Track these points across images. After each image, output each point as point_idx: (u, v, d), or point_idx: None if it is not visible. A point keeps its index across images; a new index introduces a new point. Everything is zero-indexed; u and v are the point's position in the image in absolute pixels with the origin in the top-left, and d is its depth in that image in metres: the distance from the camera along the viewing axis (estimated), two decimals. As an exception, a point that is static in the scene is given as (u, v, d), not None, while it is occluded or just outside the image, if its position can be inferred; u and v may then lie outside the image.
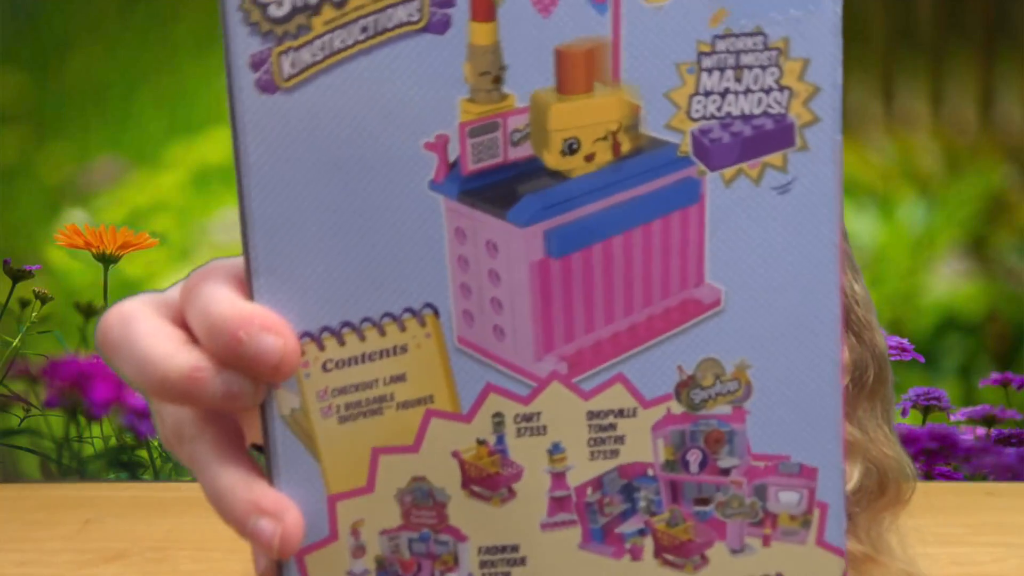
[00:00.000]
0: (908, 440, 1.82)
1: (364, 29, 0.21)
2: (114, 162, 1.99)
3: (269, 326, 0.21)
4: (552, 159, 0.21)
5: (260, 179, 0.21)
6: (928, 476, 1.82)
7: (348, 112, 0.21)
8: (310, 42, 0.21)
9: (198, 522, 1.36)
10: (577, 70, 0.21)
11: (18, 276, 1.82)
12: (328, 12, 0.21)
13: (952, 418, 1.91)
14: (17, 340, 1.81)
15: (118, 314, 0.22)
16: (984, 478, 1.87)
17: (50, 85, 1.98)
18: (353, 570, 0.23)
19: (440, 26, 0.21)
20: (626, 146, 0.21)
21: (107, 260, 1.76)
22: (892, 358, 2.02)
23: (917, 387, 1.89)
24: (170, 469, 1.80)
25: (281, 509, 0.21)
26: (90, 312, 1.86)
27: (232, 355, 0.21)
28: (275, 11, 0.21)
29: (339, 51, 0.21)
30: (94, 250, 1.75)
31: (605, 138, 0.21)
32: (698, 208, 0.21)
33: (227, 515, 0.21)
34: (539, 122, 0.21)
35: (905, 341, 1.81)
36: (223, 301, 0.21)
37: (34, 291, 1.83)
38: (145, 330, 0.21)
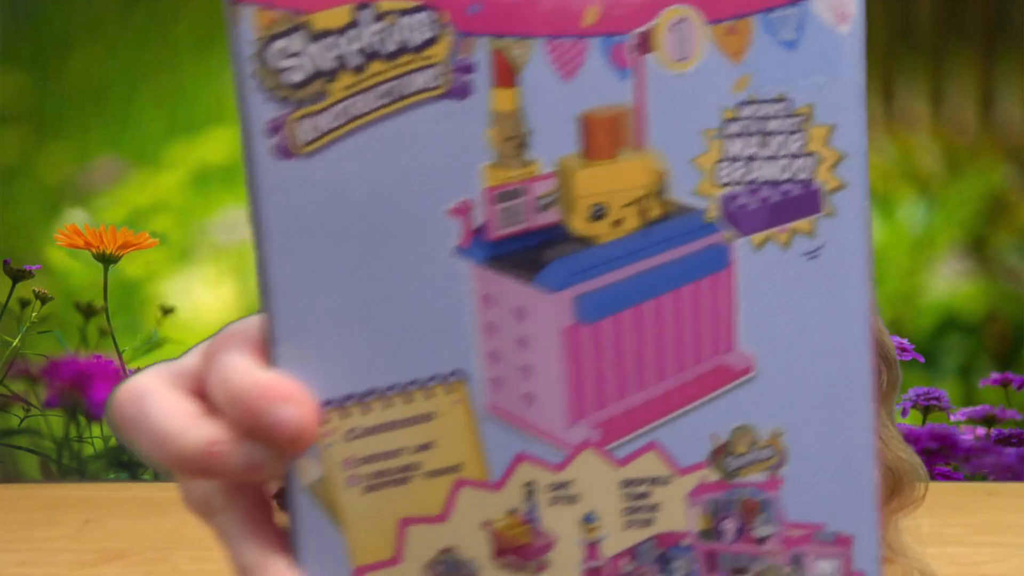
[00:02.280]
0: (908, 440, 1.81)
1: (383, 95, 0.21)
2: (114, 162, 1.99)
3: (288, 396, 0.20)
4: (579, 225, 0.21)
5: (279, 246, 0.21)
6: (928, 476, 1.82)
7: (368, 178, 0.21)
8: (328, 108, 0.21)
9: (198, 522, 1.36)
10: (603, 136, 0.21)
11: (18, 276, 1.82)
12: (347, 78, 0.21)
13: (952, 418, 1.91)
14: (17, 340, 1.81)
15: (131, 391, 0.22)
16: (984, 478, 1.87)
17: (50, 85, 1.98)
18: None
19: (461, 92, 0.21)
20: (654, 212, 0.21)
21: (107, 260, 1.76)
22: (892, 358, 2.00)
23: (917, 387, 1.89)
24: (170, 469, 1.80)
25: None
26: (90, 312, 1.86)
27: (251, 426, 0.20)
28: (292, 77, 0.21)
29: (358, 116, 0.21)
30: (94, 250, 1.75)
31: (632, 204, 0.21)
32: (727, 274, 0.21)
33: None
34: (566, 188, 0.21)
35: (905, 341, 1.81)
36: (241, 370, 0.21)
37: (34, 291, 1.83)
38: (160, 407, 0.21)
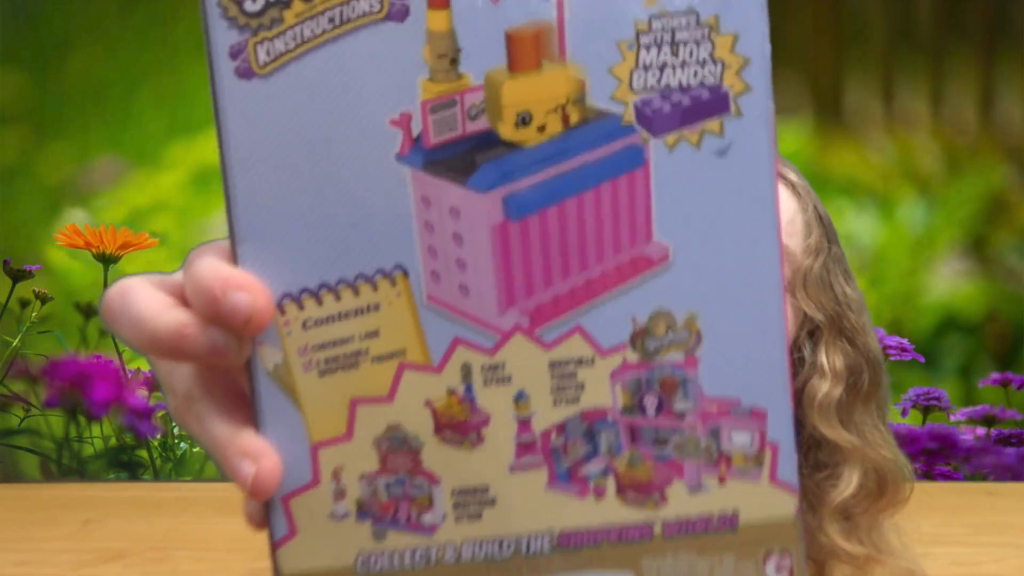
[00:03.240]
0: (908, 440, 1.82)
1: (331, 20, 0.23)
2: (114, 162, 1.99)
3: (241, 285, 0.23)
4: (507, 131, 0.23)
5: (240, 157, 0.23)
6: (928, 476, 1.81)
7: (319, 94, 0.23)
8: (283, 33, 0.23)
9: (198, 522, 1.36)
10: (526, 50, 0.23)
11: (18, 276, 1.82)
12: (298, 6, 0.23)
13: (952, 418, 1.91)
14: (17, 340, 1.81)
15: (118, 286, 0.25)
16: (984, 478, 1.87)
17: (50, 85, 1.98)
18: (335, 512, 0.25)
19: (399, 15, 0.23)
20: (574, 117, 0.23)
21: (107, 260, 1.76)
22: (892, 358, 2.01)
23: (917, 387, 1.89)
24: (170, 469, 1.80)
25: (260, 452, 0.24)
26: (90, 312, 1.86)
27: (211, 312, 0.23)
28: (250, 6, 0.23)
29: (309, 40, 0.23)
30: (94, 250, 1.75)
31: (555, 110, 0.23)
32: (643, 172, 0.23)
33: (217, 460, 0.24)
34: (494, 98, 0.23)
35: (905, 341, 1.81)
36: (206, 266, 0.23)
37: (34, 291, 1.83)
38: (140, 297, 0.24)
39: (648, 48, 0.23)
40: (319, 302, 0.24)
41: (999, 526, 1.40)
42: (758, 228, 0.23)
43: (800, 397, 0.55)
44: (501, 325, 0.24)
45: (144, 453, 1.81)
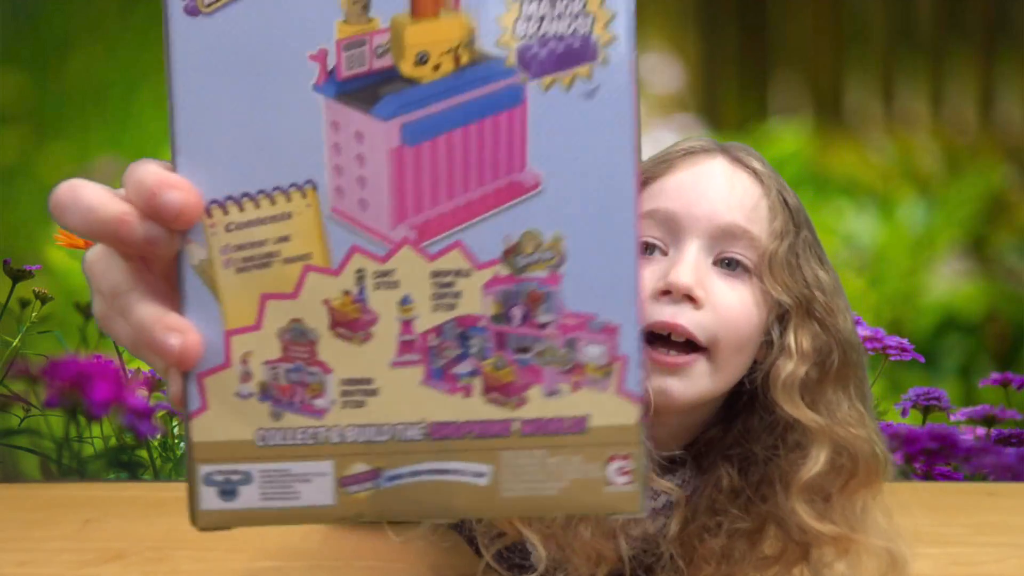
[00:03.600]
0: (908, 440, 1.81)
1: None
2: (114, 162, 1.99)
3: (174, 184, 0.27)
4: (407, 68, 0.27)
5: (183, 81, 0.27)
6: (928, 476, 1.81)
7: (252, 31, 0.27)
8: None
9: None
10: None
11: (18, 276, 1.82)
12: None
13: (952, 418, 1.91)
14: (17, 340, 1.81)
15: (69, 183, 0.29)
16: (984, 478, 1.87)
17: (50, 85, 1.98)
18: (241, 392, 0.29)
19: None
20: (465, 59, 0.27)
21: (107, 260, 1.76)
22: (892, 358, 2.01)
23: (917, 387, 1.89)
24: (170, 469, 1.80)
25: (184, 329, 0.28)
26: (90, 312, 1.86)
27: (148, 206, 0.27)
28: None
29: None
30: (94, 250, 1.75)
31: (449, 52, 0.27)
32: (521, 109, 0.27)
33: (144, 339, 0.28)
34: (397, 39, 0.27)
35: (905, 341, 1.81)
36: (145, 168, 0.28)
37: (34, 291, 1.83)
38: (89, 190, 0.29)
39: (530, 1, 0.26)
40: (241, 208, 0.28)
41: (999, 526, 1.40)
42: (617, 162, 0.26)
43: (767, 378, 0.56)
44: (392, 237, 0.28)
45: (144, 453, 1.81)
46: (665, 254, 0.55)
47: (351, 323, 0.28)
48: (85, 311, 1.86)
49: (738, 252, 0.55)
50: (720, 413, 0.59)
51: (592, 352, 0.27)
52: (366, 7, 0.27)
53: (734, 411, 0.59)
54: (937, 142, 2.05)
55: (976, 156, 2.04)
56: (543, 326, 0.27)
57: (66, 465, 1.82)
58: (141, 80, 1.99)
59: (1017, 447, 1.89)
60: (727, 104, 2.23)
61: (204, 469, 0.30)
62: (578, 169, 0.26)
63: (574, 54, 0.26)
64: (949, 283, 2.03)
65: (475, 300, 0.28)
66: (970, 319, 2.02)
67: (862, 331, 1.82)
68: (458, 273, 0.28)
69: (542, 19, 0.26)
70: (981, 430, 1.92)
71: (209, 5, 0.27)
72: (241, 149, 0.28)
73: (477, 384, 0.28)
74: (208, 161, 0.28)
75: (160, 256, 0.28)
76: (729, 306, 0.54)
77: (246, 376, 0.29)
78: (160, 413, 1.77)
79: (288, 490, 0.29)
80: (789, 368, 0.55)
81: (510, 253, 0.27)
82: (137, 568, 1.09)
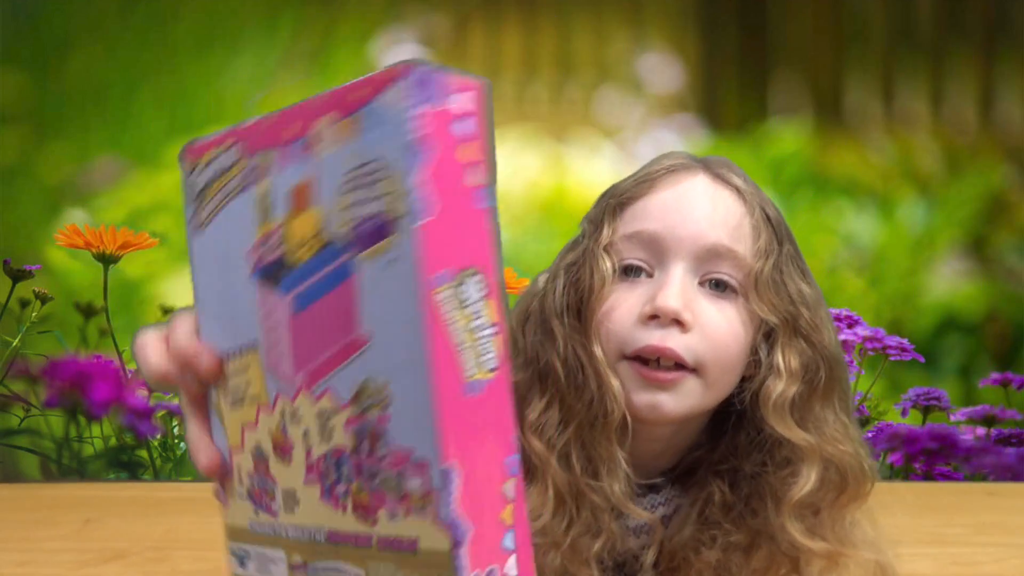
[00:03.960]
0: (908, 440, 1.81)
1: (225, 193, 0.37)
2: (114, 162, 1.99)
3: (200, 352, 0.38)
4: (289, 255, 0.35)
5: (196, 274, 0.39)
6: (928, 476, 1.81)
7: (222, 239, 0.38)
8: (208, 201, 0.38)
9: (198, 522, 1.36)
10: (300, 201, 0.34)
11: (18, 276, 1.82)
12: (215, 186, 0.38)
13: (952, 418, 1.91)
14: (17, 340, 1.81)
15: (137, 340, 0.40)
16: (984, 478, 1.87)
17: (50, 85, 1.98)
18: (240, 493, 0.39)
19: (249, 188, 0.36)
20: (320, 244, 0.33)
21: (107, 260, 1.76)
22: (892, 358, 2.00)
23: (917, 387, 1.89)
24: (170, 469, 1.80)
25: (210, 450, 0.39)
26: (90, 312, 1.86)
27: (184, 367, 0.39)
28: (197, 186, 0.39)
29: (218, 206, 0.38)
30: (94, 250, 1.75)
31: (312, 239, 0.33)
32: (354, 279, 0.32)
33: (190, 450, 0.40)
34: (283, 234, 0.34)
35: (905, 341, 1.81)
36: (185, 336, 0.39)
37: (34, 291, 1.83)
38: (148, 350, 0.40)
39: (353, 190, 0.32)
40: (230, 361, 0.38)
41: (999, 526, 1.40)
42: (412, 319, 0.30)
43: (757, 397, 0.56)
44: (295, 383, 0.34)
45: (144, 453, 1.81)
46: (651, 276, 0.55)
47: (282, 448, 0.36)
48: (85, 311, 1.86)
49: (724, 272, 0.55)
50: (706, 434, 0.59)
51: (413, 484, 0.31)
52: (267, 212, 0.35)
53: (721, 430, 0.59)
54: (937, 142, 2.05)
55: (976, 156, 2.05)
56: (382, 458, 0.32)
57: (66, 465, 1.82)
58: (141, 80, 1.99)
59: (1017, 447, 1.89)
60: (727, 104, 2.23)
61: (230, 544, 0.40)
62: (391, 325, 0.31)
63: (381, 230, 0.31)
64: (949, 283, 2.03)
65: (341, 435, 0.33)
66: (970, 319, 2.02)
67: (862, 331, 1.82)
68: (331, 413, 0.33)
69: (362, 204, 0.31)
70: (981, 430, 1.92)
71: (201, 225, 0.38)
72: (226, 317, 0.38)
73: (349, 503, 0.33)
74: (214, 325, 0.38)
75: (196, 394, 0.40)
76: (717, 328, 0.54)
77: (240, 482, 0.38)
78: (160, 413, 1.77)
79: (267, 568, 0.38)
80: (779, 388, 0.55)
81: (357, 397, 0.32)
82: (137, 568, 1.09)
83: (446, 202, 0.30)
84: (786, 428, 0.55)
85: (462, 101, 0.31)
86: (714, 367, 0.54)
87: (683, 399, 0.54)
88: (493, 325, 0.31)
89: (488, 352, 0.31)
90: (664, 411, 0.54)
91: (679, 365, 0.53)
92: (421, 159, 0.30)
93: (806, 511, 0.56)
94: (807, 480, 0.55)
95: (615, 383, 0.53)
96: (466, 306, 0.31)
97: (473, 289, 0.31)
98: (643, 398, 0.53)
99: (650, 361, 0.53)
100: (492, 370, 0.31)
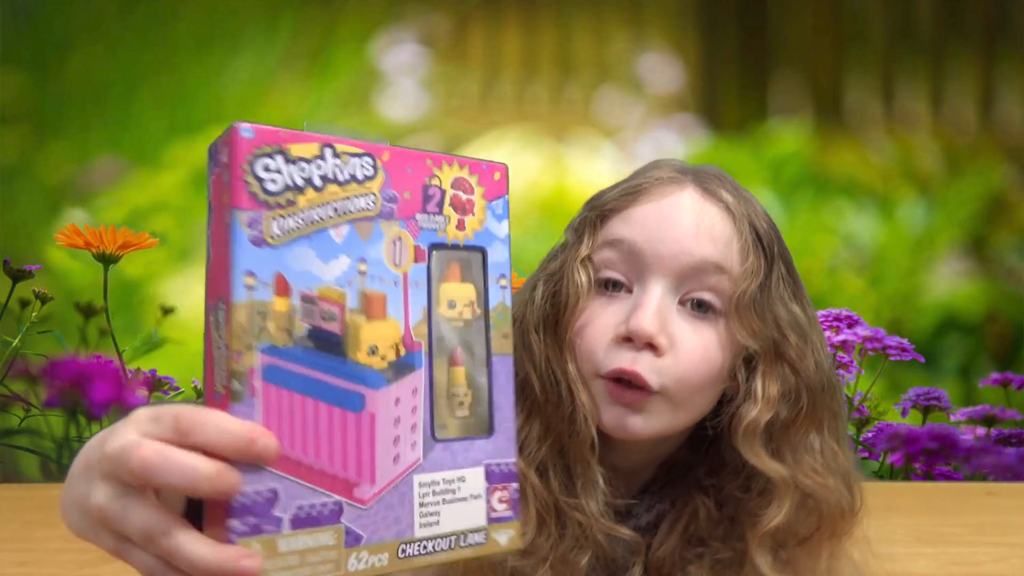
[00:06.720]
0: (908, 440, 1.82)
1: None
2: (114, 162, 1.99)
3: (262, 432, 0.32)
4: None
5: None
6: (928, 476, 1.82)
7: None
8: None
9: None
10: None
11: (18, 276, 1.82)
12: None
13: (952, 418, 1.91)
14: (17, 340, 1.81)
15: (155, 448, 0.32)
16: (984, 478, 1.87)
17: (50, 85, 1.98)
18: None
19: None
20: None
21: (107, 260, 1.76)
22: (892, 358, 2.00)
23: (917, 387, 1.89)
24: (170, 469, 1.80)
25: (250, 553, 0.33)
26: (90, 312, 1.86)
27: (247, 454, 0.32)
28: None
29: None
30: (94, 250, 1.75)
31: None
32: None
33: (209, 571, 0.32)
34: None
35: (905, 341, 1.81)
36: (223, 422, 0.32)
37: (34, 291, 1.83)
38: (180, 456, 0.32)
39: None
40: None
41: (999, 526, 1.40)
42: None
43: (731, 422, 0.54)
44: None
45: (144, 453, 1.81)
46: (630, 291, 0.53)
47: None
48: (85, 311, 1.86)
49: (705, 293, 0.53)
50: (688, 448, 0.58)
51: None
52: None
53: (703, 446, 0.58)
54: (937, 142, 2.05)
55: (976, 156, 2.05)
56: None
57: (66, 465, 1.82)
58: (141, 80, 1.99)
59: (1017, 447, 1.89)
60: (727, 104, 2.23)
61: None
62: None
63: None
64: (949, 283, 2.03)
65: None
66: (970, 319, 2.02)
67: (862, 331, 1.82)
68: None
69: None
70: (981, 430, 1.92)
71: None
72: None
73: None
74: None
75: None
76: (691, 351, 0.52)
77: None
78: (160, 413, 1.77)
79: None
80: (752, 415, 0.53)
81: None
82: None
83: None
84: (755, 456, 0.53)
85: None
86: (682, 391, 0.52)
87: (652, 419, 0.53)
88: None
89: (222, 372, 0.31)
90: (633, 431, 0.53)
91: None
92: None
93: (779, 545, 0.54)
94: (778, 511, 0.53)
95: (586, 400, 0.53)
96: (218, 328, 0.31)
97: (221, 315, 0.31)
98: (612, 417, 0.52)
99: (622, 380, 0.52)
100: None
